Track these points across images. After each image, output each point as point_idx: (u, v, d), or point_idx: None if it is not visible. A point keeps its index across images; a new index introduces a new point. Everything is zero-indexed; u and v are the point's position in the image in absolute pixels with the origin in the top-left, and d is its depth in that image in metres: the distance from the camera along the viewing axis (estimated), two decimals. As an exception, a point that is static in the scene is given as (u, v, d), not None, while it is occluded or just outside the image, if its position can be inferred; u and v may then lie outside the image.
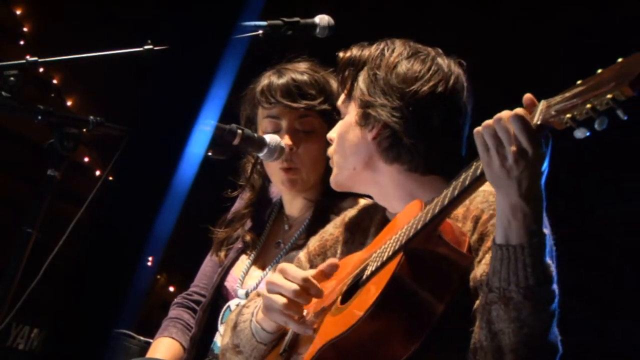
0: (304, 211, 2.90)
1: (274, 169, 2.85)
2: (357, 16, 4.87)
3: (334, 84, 2.86)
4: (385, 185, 2.20)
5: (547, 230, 1.84)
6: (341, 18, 2.78)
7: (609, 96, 1.62)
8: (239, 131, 2.65)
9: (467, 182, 1.86)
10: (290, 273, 2.12)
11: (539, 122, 1.75)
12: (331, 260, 2.15)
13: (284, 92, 2.81)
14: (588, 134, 1.67)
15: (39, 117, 2.38)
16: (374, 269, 2.00)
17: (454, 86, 2.17)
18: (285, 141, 2.80)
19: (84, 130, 2.41)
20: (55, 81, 6.53)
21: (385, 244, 2.02)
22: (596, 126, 1.65)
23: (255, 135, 2.74)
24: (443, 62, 2.18)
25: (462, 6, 4.88)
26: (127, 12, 6.05)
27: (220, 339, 2.38)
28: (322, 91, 2.83)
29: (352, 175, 2.23)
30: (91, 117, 2.42)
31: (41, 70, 6.21)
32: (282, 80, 2.82)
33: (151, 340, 2.99)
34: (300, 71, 2.84)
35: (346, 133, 2.23)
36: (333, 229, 2.40)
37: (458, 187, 1.88)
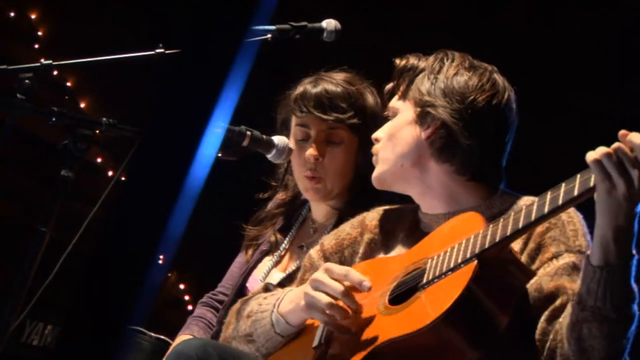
0: (329, 217, 2.92)
1: (299, 176, 2.89)
2: (363, 20, 4.90)
3: (368, 98, 2.87)
4: (429, 185, 2.23)
5: (635, 251, 1.90)
6: (348, 22, 2.81)
7: None
8: (248, 133, 2.69)
9: (559, 202, 1.88)
10: (337, 272, 2.15)
11: None
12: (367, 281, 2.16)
13: (316, 103, 2.83)
14: None
15: (53, 119, 2.41)
16: (437, 274, 2.02)
17: (507, 102, 2.23)
18: (311, 151, 2.83)
19: (97, 131, 2.44)
20: (69, 84, 6.58)
21: (446, 252, 2.03)
22: None
23: (264, 136, 2.77)
24: (499, 78, 2.25)
25: (467, 9, 4.90)
26: (140, 16, 6.10)
27: (225, 328, 2.41)
28: (353, 105, 2.84)
29: (397, 171, 2.26)
30: (104, 118, 2.46)
31: (55, 73, 6.26)
32: (316, 90, 2.84)
33: (162, 337, 3.04)
34: (335, 82, 2.86)
35: (398, 131, 2.27)
36: (350, 229, 2.41)
37: (547, 205, 1.89)
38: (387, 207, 2.43)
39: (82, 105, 6.54)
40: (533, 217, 1.91)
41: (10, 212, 6.26)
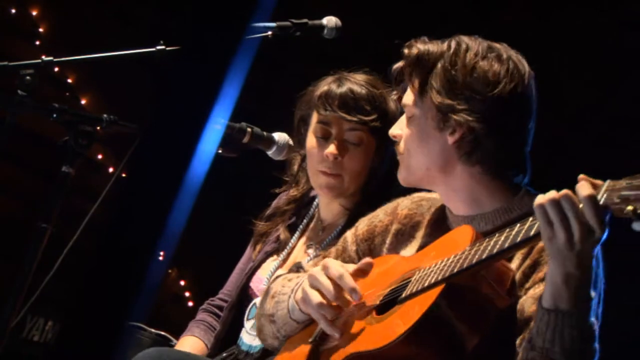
0: (339, 217, 2.92)
1: (315, 171, 2.86)
2: (364, 17, 4.90)
3: (390, 102, 2.84)
4: (454, 188, 2.17)
5: (594, 293, 1.84)
6: (347, 19, 2.81)
7: None
8: (249, 129, 2.70)
9: (518, 239, 1.84)
10: (331, 270, 2.14)
11: (602, 203, 1.72)
12: (367, 260, 2.18)
13: (341, 103, 2.81)
14: None
15: (54, 116, 2.43)
16: (414, 290, 2.01)
17: (529, 85, 2.14)
18: (332, 150, 2.81)
19: (98, 128, 2.46)
20: (70, 80, 6.58)
21: (430, 267, 2.02)
22: None
23: (264, 133, 2.78)
24: (516, 59, 2.14)
25: (467, 7, 4.91)
26: (141, 12, 6.11)
27: (258, 302, 2.44)
28: (377, 108, 2.82)
29: (424, 175, 2.20)
30: (105, 115, 2.47)
31: (56, 69, 6.28)
32: (341, 90, 2.82)
33: (162, 333, 3.07)
34: (359, 84, 2.84)
35: (420, 133, 2.17)
36: (384, 215, 2.38)
37: (509, 240, 1.86)
38: (422, 194, 2.38)
39: (83, 101, 6.54)
40: (496, 250, 1.88)
41: (11, 209, 6.27)
